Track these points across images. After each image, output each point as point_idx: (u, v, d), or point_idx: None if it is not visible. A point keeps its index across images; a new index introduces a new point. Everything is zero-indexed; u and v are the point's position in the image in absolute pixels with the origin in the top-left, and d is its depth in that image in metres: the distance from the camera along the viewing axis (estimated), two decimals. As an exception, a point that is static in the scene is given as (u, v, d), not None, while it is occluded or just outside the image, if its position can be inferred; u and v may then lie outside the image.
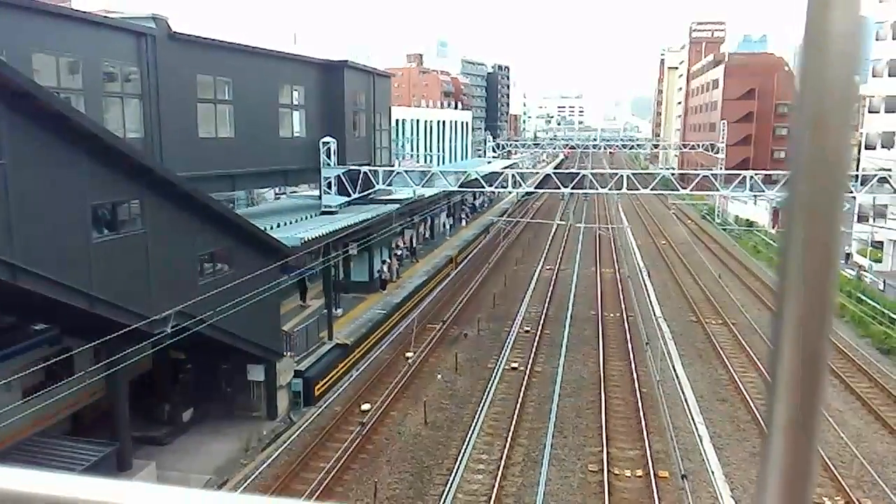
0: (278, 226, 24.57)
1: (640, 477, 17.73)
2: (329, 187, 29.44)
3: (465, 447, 19.18)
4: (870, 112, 51.51)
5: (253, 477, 17.41)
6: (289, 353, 21.92)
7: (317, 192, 31.20)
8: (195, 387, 20.88)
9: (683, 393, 22.49)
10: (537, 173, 58.51)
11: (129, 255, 15.09)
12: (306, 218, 27.75)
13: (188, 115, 21.58)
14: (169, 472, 17.18)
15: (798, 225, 0.69)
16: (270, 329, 20.88)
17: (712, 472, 17.42)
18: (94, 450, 14.67)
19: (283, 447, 19.10)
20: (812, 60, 0.66)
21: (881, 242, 43.97)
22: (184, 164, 19.94)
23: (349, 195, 29.64)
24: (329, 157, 29.07)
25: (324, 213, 28.98)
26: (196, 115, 22.07)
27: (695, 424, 20.16)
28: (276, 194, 42.10)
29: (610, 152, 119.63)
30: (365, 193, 30.02)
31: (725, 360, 26.37)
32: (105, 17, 18.87)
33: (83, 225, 13.89)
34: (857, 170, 46.69)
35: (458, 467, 18.04)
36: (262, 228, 20.90)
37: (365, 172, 29.84)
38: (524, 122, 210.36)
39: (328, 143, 28.95)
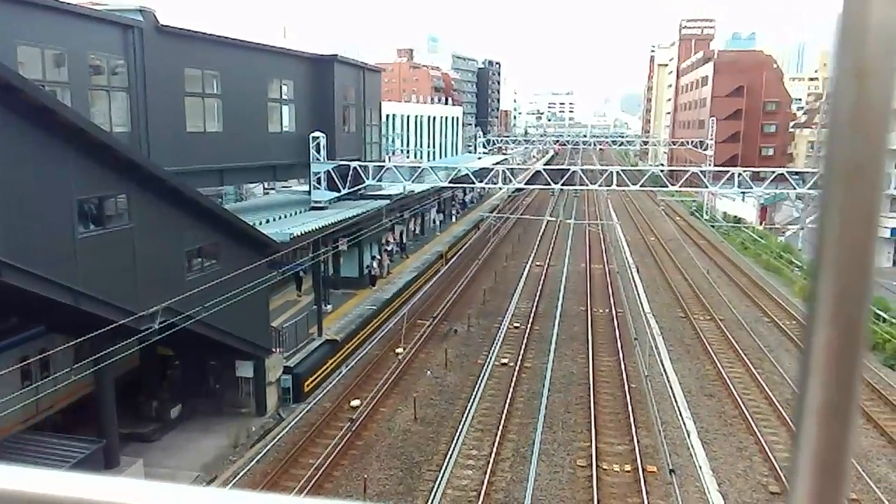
0: (267, 221, 24.45)
1: (628, 472, 17.82)
2: (318, 182, 29.31)
3: (454, 443, 19.19)
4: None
5: (242, 474, 17.34)
6: (278, 350, 21.84)
7: (306, 188, 31.08)
8: (183, 383, 20.78)
9: (671, 388, 22.60)
10: (528, 169, 58.49)
11: (115, 251, 14.95)
12: (295, 213, 27.63)
13: (176, 109, 21.39)
14: (157, 469, 17.07)
15: (836, 187, 0.62)
16: (259, 325, 20.78)
17: (700, 467, 17.53)
18: (81, 447, 14.55)
19: (272, 444, 19.04)
20: (853, 7, 0.59)
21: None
22: (171, 159, 19.77)
23: (339, 190, 29.53)
24: (318, 152, 28.94)
25: (313, 208, 28.86)
26: (184, 108, 21.88)
27: (682, 419, 20.28)
28: (265, 189, 41.91)
29: (600, 149, 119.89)
30: (355, 189, 29.93)
31: (713, 355, 26.54)
32: (91, 9, 18.65)
33: (69, 220, 13.75)
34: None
35: (448, 463, 18.06)
36: (251, 224, 20.79)
37: (355, 168, 29.74)
38: (515, 118, 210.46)
39: (318, 137, 28.81)
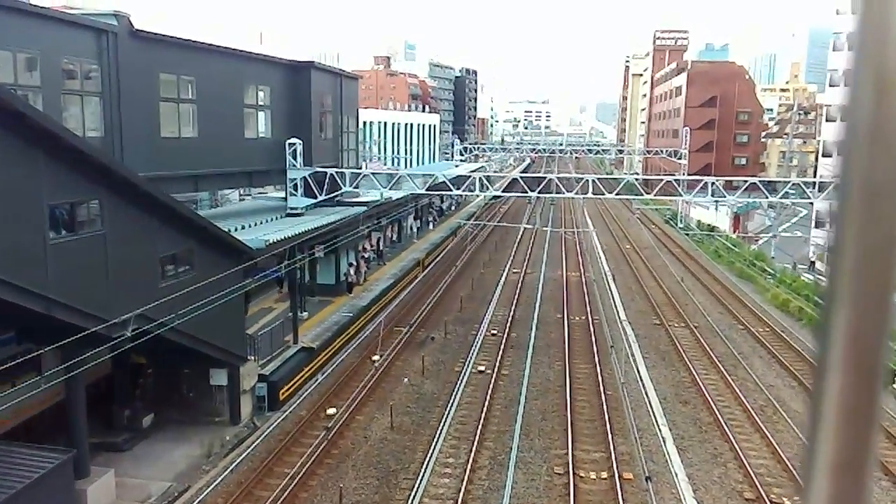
0: (243, 227, 24.20)
1: (605, 479, 17.91)
2: (295, 189, 29.13)
3: (431, 451, 19.12)
4: (827, 121, 53.22)
5: (215, 484, 17.07)
6: (253, 357, 21.59)
7: (282, 194, 30.86)
8: (156, 392, 20.42)
9: (647, 395, 22.82)
10: (505, 177, 58.79)
11: (87, 257, 14.68)
12: (271, 220, 27.40)
13: (150, 114, 21.12)
14: (128, 479, 16.74)
15: (854, 212, 0.56)
16: (234, 333, 20.54)
17: (675, 474, 17.70)
18: (50, 457, 14.19)
19: (246, 453, 18.79)
20: (872, 15, 0.53)
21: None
22: (145, 164, 19.50)
23: (315, 197, 29.38)
24: (295, 158, 28.77)
25: (289, 215, 28.65)
26: (158, 114, 21.61)
27: (658, 426, 20.47)
28: (241, 196, 41.51)
29: (576, 157, 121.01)
30: (331, 195, 29.80)
31: (688, 362, 26.84)
32: (65, 12, 18.37)
33: (40, 225, 13.47)
34: (815, 177, 48.17)
35: (425, 471, 17.99)
36: (226, 230, 20.57)
37: (332, 174, 29.61)
38: (491, 126, 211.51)
39: (294, 144, 28.65)
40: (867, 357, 0.55)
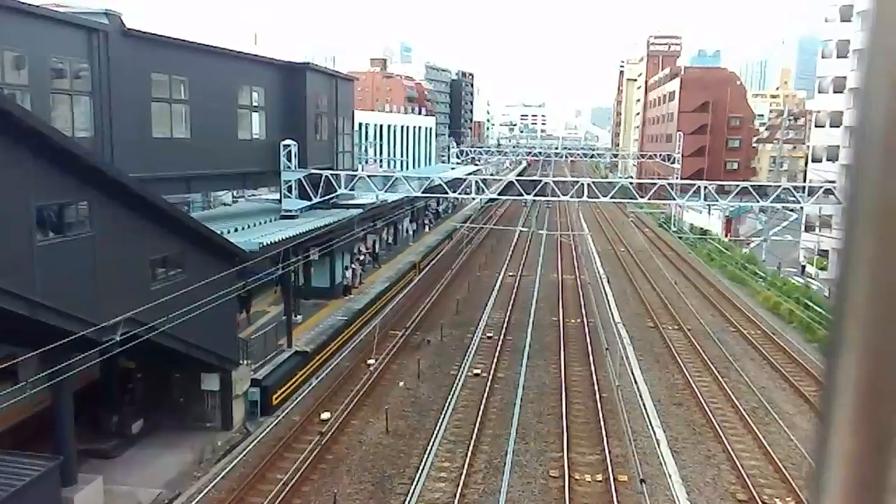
0: (236, 230, 23.99)
1: (599, 482, 17.79)
2: (289, 191, 28.93)
3: (426, 455, 18.94)
4: (816, 126, 53.45)
5: (206, 490, 16.83)
6: (245, 362, 21.36)
7: (276, 196, 30.67)
8: (146, 397, 20.16)
9: (641, 397, 22.73)
10: (501, 180, 58.72)
11: (75, 259, 14.45)
12: (265, 222, 27.20)
13: (141, 115, 20.89)
14: (117, 486, 16.47)
15: (867, 236, 0.45)
16: (226, 337, 20.31)
17: (670, 476, 17.62)
18: (36, 464, 13.92)
19: (238, 459, 18.55)
20: (886, 20, 0.45)
21: (826, 251, 45.59)
22: (136, 165, 19.25)
23: (310, 199, 29.19)
24: (290, 160, 28.58)
25: (284, 217, 28.46)
26: (150, 114, 21.38)
27: (652, 429, 20.38)
28: (234, 197, 41.27)
29: (571, 161, 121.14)
30: (327, 198, 29.61)
31: (681, 364, 26.78)
32: (54, 10, 18.13)
33: (27, 227, 13.25)
34: (804, 181, 48.34)
35: (420, 476, 17.81)
36: (219, 232, 20.36)
37: (327, 176, 29.45)
38: (488, 129, 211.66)
39: (289, 145, 28.46)
40: (882, 414, 0.44)
